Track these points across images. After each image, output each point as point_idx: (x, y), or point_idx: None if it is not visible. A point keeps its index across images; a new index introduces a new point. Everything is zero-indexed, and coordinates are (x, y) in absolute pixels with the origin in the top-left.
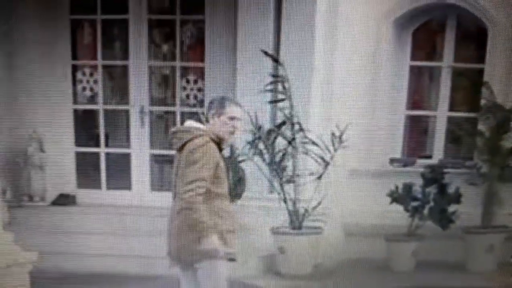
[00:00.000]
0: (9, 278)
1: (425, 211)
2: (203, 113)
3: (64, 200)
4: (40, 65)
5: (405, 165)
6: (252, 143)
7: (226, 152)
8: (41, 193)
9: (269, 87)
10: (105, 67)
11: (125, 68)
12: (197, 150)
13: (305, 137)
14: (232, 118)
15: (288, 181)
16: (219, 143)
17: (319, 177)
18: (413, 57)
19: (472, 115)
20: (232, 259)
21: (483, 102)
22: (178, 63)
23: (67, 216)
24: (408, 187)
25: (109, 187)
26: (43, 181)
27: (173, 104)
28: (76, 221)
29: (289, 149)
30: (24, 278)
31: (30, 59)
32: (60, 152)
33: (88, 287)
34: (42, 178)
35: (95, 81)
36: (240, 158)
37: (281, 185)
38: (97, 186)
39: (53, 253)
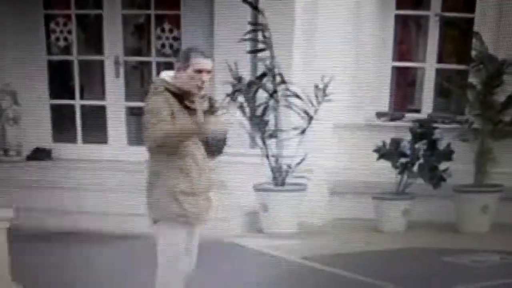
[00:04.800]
0: None
1: (415, 168)
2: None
3: (40, 154)
4: (12, 16)
5: (392, 119)
6: (232, 96)
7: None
8: (17, 147)
9: (248, 36)
10: (78, 16)
11: (99, 18)
12: (147, 102)
13: (288, 89)
14: (198, 71)
15: (270, 136)
16: (182, 96)
17: (303, 132)
18: (399, 6)
19: (462, 67)
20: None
21: (474, 53)
22: (152, 11)
23: (43, 171)
24: (396, 143)
25: (85, 141)
26: (18, 135)
27: (149, 54)
28: (52, 176)
29: (271, 102)
30: (0, 236)
31: (1, 11)
32: (34, 105)
33: (65, 245)
34: (17, 132)
35: (69, 31)
36: (219, 112)
37: (263, 140)
38: (73, 139)
39: (29, 210)
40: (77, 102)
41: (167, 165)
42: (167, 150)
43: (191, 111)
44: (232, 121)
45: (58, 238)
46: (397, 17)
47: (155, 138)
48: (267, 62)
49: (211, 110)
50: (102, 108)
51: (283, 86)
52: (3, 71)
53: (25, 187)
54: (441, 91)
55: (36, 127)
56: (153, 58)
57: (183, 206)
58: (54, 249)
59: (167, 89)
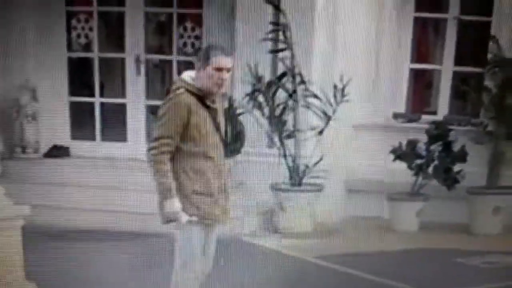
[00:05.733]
0: (0, 233)
1: (430, 170)
2: None
3: (58, 151)
4: (33, 12)
5: (409, 121)
6: (252, 95)
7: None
8: (34, 144)
9: (269, 36)
10: (100, 14)
11: (121, 15)
12: (164, 104)
13: (307, 89)
14: (218, 69)
15: (288, 136)
16: (202, 96)
17: (321, 132)
18: (418, 8)
19: (478, 70)
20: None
21: (490, 56)
22: (175, 10)
23: (60, 168)
24: (412, 144)
25: (104, 139)
26: (36, 132)
27: (170, 53)
28: (69, 174)
29: (290, 102)
30: (15, 234)
31: (22, 6)
32: (53, 102)
33: (81, 244)
34: (35, 129)
35: (90, 28)
36: (238, 111)
37: (281, 140)
38: (92, 137)
39: (46, 207)
40: (97, 100)
41: (180, 166)
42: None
43: (212, 110)
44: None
45: (74, 237)
46: (416, 19)
47: (148, 152)
48: (287, 61)
49: (231, 111)
50: (122, 106)
51: (302, 86)
52: (23, 67)
53: (42, 184)
54: (457, 94)
55: (55, 124)
56: (174, 57)
57: (199, 208)
58: (69, 247)
59: (188, 90)
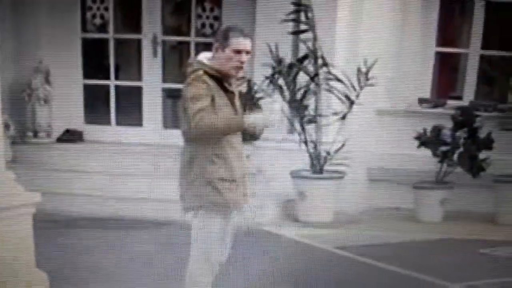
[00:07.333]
0: (10, 221)
1: (455, 157)
2: None
3: (71, 136)
4: None
5: (434, 106)
6: (271, 78)
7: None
8: (47, 128)
9: (291, 16)
10: None
11: None
12: (188, 85)
13: (329, 72)
14: (237, 52)
15: (310, 121)
16: (221, 79)
17: (343, 117)
18: None
19: (506, 53)
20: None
21: None
22: None
23: (73, 153)
24: (437, 130)
25: (118, 123)
26: (49, 116)
27: (188, 34)
28: (83, 160)
29: (312, 86)
30: (26, 221)
31: None
32: (67, 85)
33: (95, 232)
34: (48, 113)
35: (106, 8)
36: (258, 95)
37: (302, 125)
38: (106, 121)
39: (58, 194)
40: (112, 83)
41: (204, 152)
42: (207, 140)
43: (229, 94)
44: (273, 116)
45: (87, 225)
46: (442, 1)
47: (197, 127)
48: (309, 43)
49: (250, 95)
50: (138, 89)
51: (324, 69)
52: (36, 48)
53: (54, 170)
54: (484, 78)
55: (68, 108)
56: (192, 38)
57: (223, 194)
58: (81, 235)
59: (206, 72)
